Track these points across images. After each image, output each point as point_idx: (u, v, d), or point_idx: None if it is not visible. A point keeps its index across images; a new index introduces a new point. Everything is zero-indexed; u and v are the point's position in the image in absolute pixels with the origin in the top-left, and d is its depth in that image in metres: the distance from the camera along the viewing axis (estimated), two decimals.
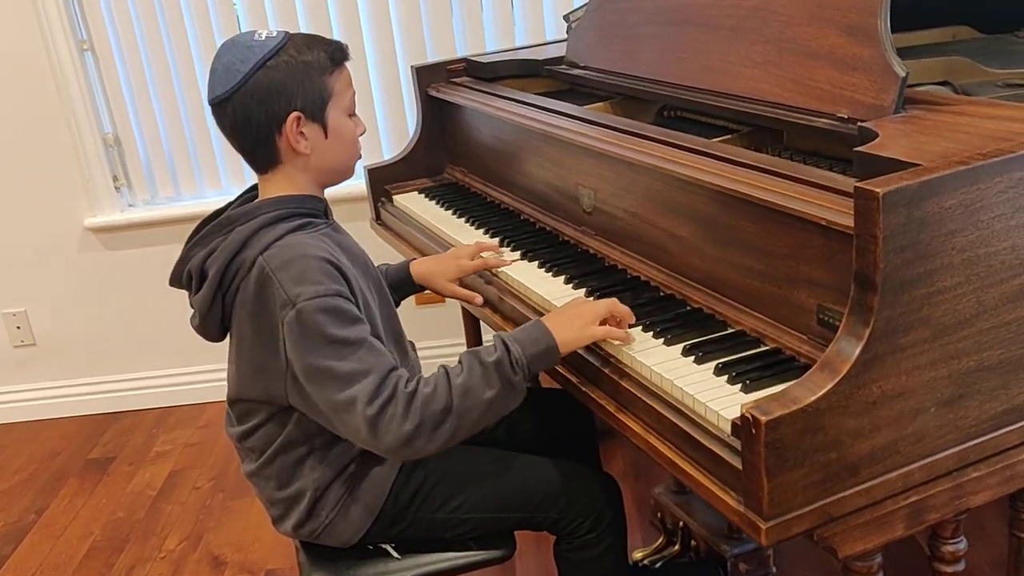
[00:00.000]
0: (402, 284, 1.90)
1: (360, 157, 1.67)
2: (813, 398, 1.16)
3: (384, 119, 3.17)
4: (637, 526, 2.47)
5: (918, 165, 1.21)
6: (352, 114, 1.60)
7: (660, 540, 2.26)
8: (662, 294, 1.69)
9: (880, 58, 1.48)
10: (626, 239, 1.82)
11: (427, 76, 2.54)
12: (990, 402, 1.29)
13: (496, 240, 2.06)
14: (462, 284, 1.91)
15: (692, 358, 1.45)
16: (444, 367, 1.46)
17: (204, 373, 3.31)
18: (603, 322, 1.50)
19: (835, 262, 1.31)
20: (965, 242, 1.20)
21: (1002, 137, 1.29)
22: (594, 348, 1.56)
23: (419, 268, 1.90)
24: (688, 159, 1.57)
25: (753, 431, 1.16)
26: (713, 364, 1.41)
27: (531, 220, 2.14)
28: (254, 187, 1.61)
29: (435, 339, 3.27)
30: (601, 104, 2.15)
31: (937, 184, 1.16)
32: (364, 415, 1.36)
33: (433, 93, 2.51)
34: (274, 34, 1.49)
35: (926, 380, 1.23)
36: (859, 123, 1.46)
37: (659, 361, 1.45)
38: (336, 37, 3.04)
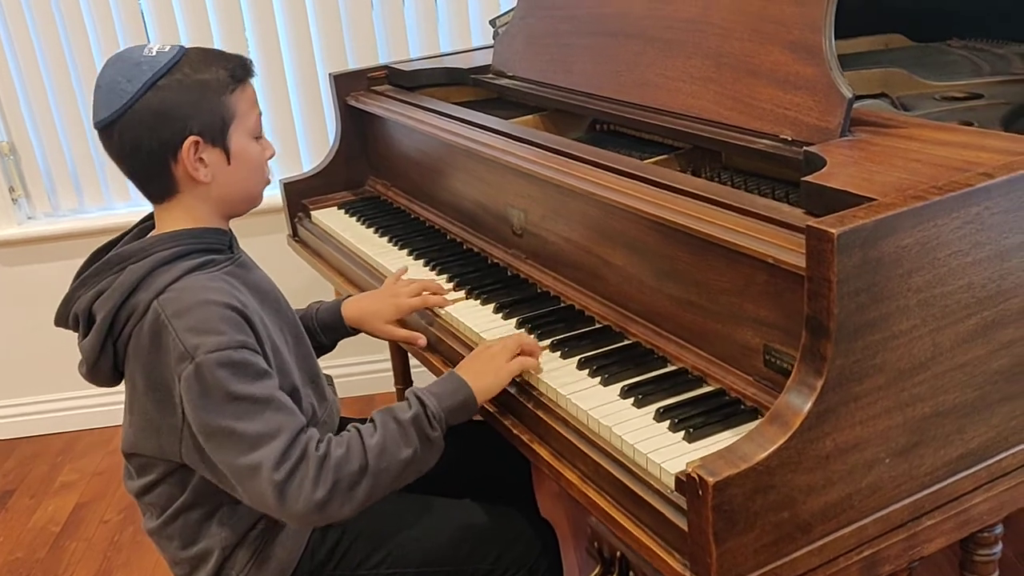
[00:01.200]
0: (334, 327, 1.75)
1: (269, 183, 1.52)
2: (763, 455, 1.07)
3: (303, 129, 3.02)
4: (573, 554, 2.37)
5: (872, 200, 1.13)
6: (259, 136, 1.46)
7: (597, 570, 2.16)
8: (598, 325, 1.58)
9: (825, 77, 1.39)
10: (559, 265, 1.72)
11: (346, 84, 2.41)
12: (945, 448, 1.21)
13: (441, 278, 1.92)
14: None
15: (631, 400, 1.35)
16: (356, 427, 1.33)
17: (115, 394, 3.11)
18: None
19: (782, 301, 1.22)
20: (921, 282, 1.12)
21: (956, 167, 1.21)
22: (528, 390, 1.45)
23: (352, 309, 1.75)
24: (622, 184, 1.47)
25: (700, 492, 1.06)
26: (654, 408, 1.31)
27: (458, 240, 2.03)
28: (150, 216, 1.46)
29: (366, 355, 3.12)
30: (530, 117, 2.04)
31: (893, 222, 1.07)
32: (271, 481, 1.24)
33: (352, 103, 2.37)
34: (167, 49, 1.34)
35: (881, 429, 1.15)
36: (804, 147, 1.38)
37: (597, 404, 1.35)
38: (251, 43, 2.91)
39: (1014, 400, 1.26)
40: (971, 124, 1.71)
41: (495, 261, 1.89)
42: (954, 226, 1.12)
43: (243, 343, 1.29)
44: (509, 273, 1.84)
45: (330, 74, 2.42)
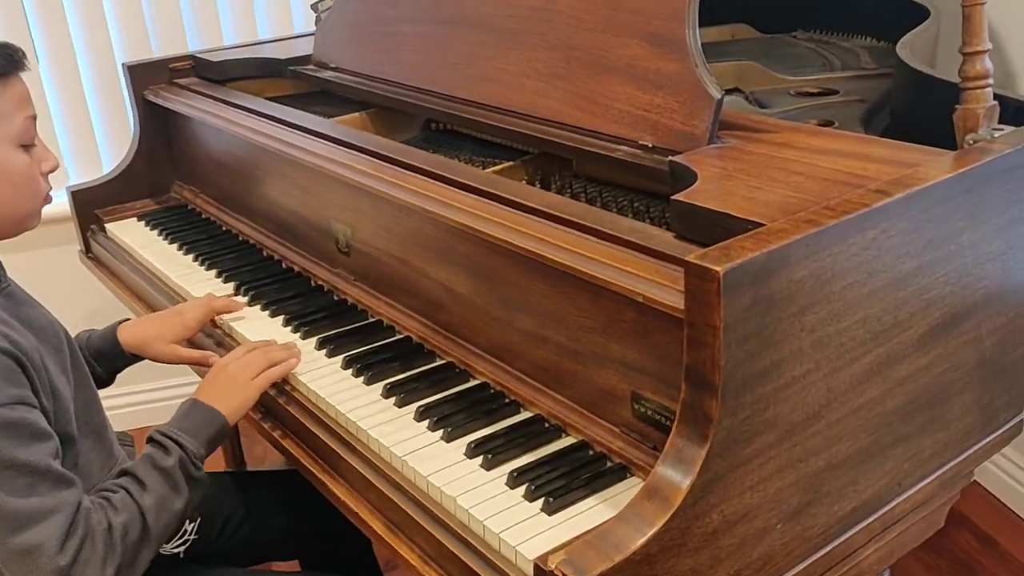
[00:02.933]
0: (111, 355, 1.47)
1: (48, 200, 1.26)
2: (641, 541, 0.88)
3: (103, 129, 2.64)
4: None
5: (757, 224, 0.95)
6: (29, 144, 1.18)
7: None
8: (439, 362, 1.36)
9: (689, 75, 1.22)
10: (393, 289, 1.48)
11: (143, 76, 2.08)
12: (839, 503, 1.06)
13: (229, 287, 1.66)
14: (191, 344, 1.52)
15: (480, 460, 1.13)
16: (123, 485, 1.17)
17: None
18: None
19: (654, 342, 1.04)
20: (815, 320, 0.95)
21: (843, 181, 1.05)
22: (354, 446, 1.22)
23: (130, 333, 1.48)
24: (461, 200, 1.25)
25: None
26: (507, 470, 1.10)
27: (276, 258, 1.76)
28: None
29: (177, 376, 2.78)
30: (355, 115, 1.79)
31: (786, 253, 0.89)
32: (54, 567, 1.06)
33: (151, 98, 2.05)
34: None
35: (772, 492, 0.98)
36: (668, 155, 1.20)
37: (438, 468, 1.13)
38: (34, 27, 2.51)
39: (907, 441, 1.12)
40: (831, 123, 1.59)
41: (319, 283, 1.64)
42: (850, 253, 0.95)
43: (19, 398, 1.09)
44: (335, 298, 1.59)
45: (123, 64, 2.09)
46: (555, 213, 1.15)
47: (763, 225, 0.95)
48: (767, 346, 0.91)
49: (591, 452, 1.13)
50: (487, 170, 1.44)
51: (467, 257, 1.28)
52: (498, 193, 1.23)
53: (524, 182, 1.45)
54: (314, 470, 1.27)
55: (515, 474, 1.09)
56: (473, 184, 1.27)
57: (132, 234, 1.97)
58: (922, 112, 1.44)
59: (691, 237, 1.04)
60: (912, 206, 1.00)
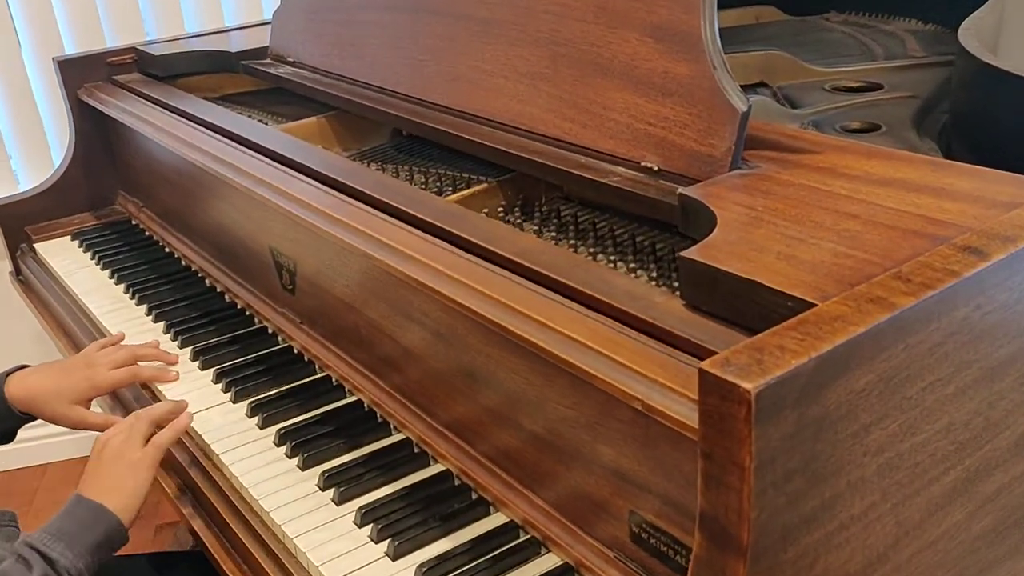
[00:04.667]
0: None
1: None
2: None
3: (54, 129, 2.36)
4: None
5: (801, 302, 0.68)
6: None
7: None
8: (394, 438, 1.10)
9: (706, 80, 0.94)
10: (342, 339, 1.22)
11: (78, 73, 1.81)
12: None
13: (160, 327, 1.40)
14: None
15: None
16: None
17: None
18: None
19: (657, 454, 0.76)
20: (883, 439, 0.67)
21: (916, 230, 0.77)
22: (283, 562, 0.95)
23: (21, 387, 1.22)
24: (412, 245, 0.98)
25: None
26: None
27: (219, 289, 1.49)
28: None
29: None
30: (312, 120, 1.51)
31: (846, 353, 0.62)
32: None
33: (85, 98, 1.78)
34: None
35: None
36: (678, 183, 0.92)
37: None
38: None
39: (998, 566, 0.84)
40: (878, 127, 1.31)
41: (263, 324, 1.37)
42: (932, 343, 0.68)
43: None
44: (280, 343, 1.32)
45: (54, 59, 1.82)
46: (528, 266, 0.87)
47: (809, 304, 0.67)
48: (817, 482, 0.64)
49: None
50: (456, 195, 1.16)
51: (423, 313, 1.01)
52: (459, 235, 0.96)
53: (502, 208, 1.17)
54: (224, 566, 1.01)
55: None
56: (430, 220, 1.00)
57: (61, 257, 1.71)
58: (997, 117, 1.15)
59: (706, 309, 0.76)
60: (1017, 269, 0.72)
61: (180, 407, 1.12)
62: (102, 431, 1.24)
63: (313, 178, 1.18)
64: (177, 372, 1.27)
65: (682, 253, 0.77)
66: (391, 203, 1.05)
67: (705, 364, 0.60)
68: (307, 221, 1.09)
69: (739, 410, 0.58)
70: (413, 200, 1.06)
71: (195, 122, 1.47)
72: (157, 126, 1.51)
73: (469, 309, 0.85)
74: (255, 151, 1.31)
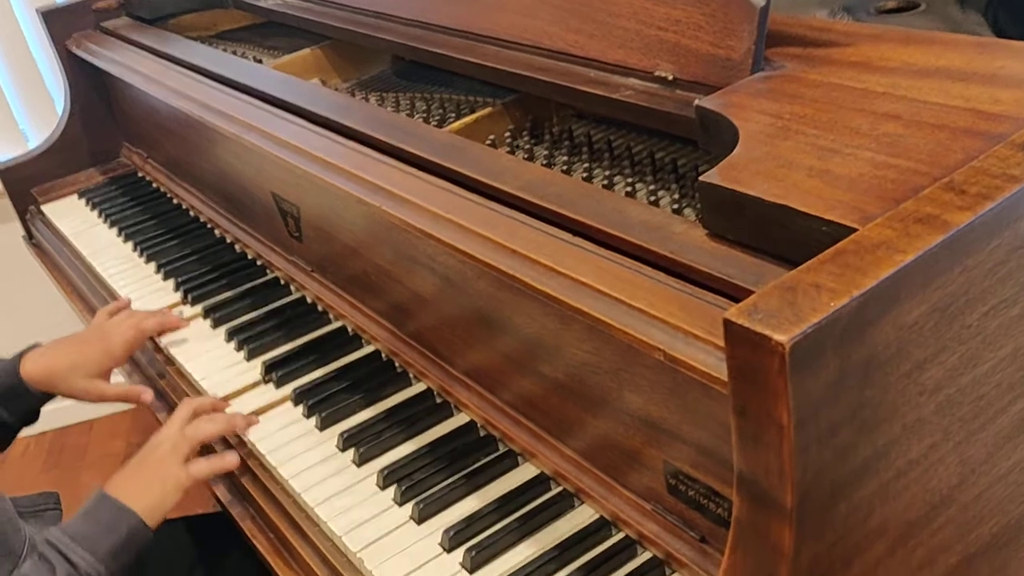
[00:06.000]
0: (14, 394, 1.17)
1: None
2: None
3: (14, 89, 2.26)
4: None
5: (839, 227, 0.59)
6: None
7: None
8: (414, 389, 1.04)
9: None
10: (354, 287, 1.15)
11: (62, 23, 1.73)
12: None
13: (169, 285, 1.35)
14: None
15: (464, 558, 0.82)
16: None
17: None
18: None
19: (688, 402, 0.69)
20: (941, 374, 0.59)
21: (967, 128, 0.67)
22: (316, 543, 0.91)
23: (37, 366, 1.18)
24: (409, 186, 0.90)
25: None
26: (503, 573, 0.79)
27: (228, 241, 1.43)
28: None
29: None
30: (306, 52, 1.42)
31: (893, 286, 0.54)
32: None
33: (75, 50, 1.71)
34: None
35: None
36: (696, 92, 0.83)
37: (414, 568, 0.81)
38: None
39: None
40: (916, 4, 1.20)
41: (275, 274, 1.31)
42: (994, 262, 0.59)
43: None
44: (292, 295, 1.26)
45: (37, 11, 1.74)
46: (534, 202, 0.79)
47: (847, 229, 0.59)
48: (868, 431, 0.57)
49: (612, 532, 0.81)
50: (459, 122, 1.08)
51: (429, 257, 0.94)
52: (459, 171, 0.88)
53: (509, 133, 1.09)
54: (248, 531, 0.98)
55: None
56: (427, 157, 0.92)
57: (69, 217, 1.66)
58: None
59: (732, 238, 0.68)
60: None
61: (237, 426, 1.05)
62: (126, 401, 1.21)
63: (304, 118, 1.10)
64: (181, 312, 1.23)
65: (702, 177, 0.68)
66: (386, 140, 0.97)
67: (731, 313, 0.52)
68: (299, 167, 1.01)
69: (772, 362, 0.50)
70: (410, 135, 0.98)
71: (184, 67, 1.39)
72: (146, 75, 1.43)
73: (470, 256, 0.78)
74: (245, 93, 1.23)
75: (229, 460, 1.01)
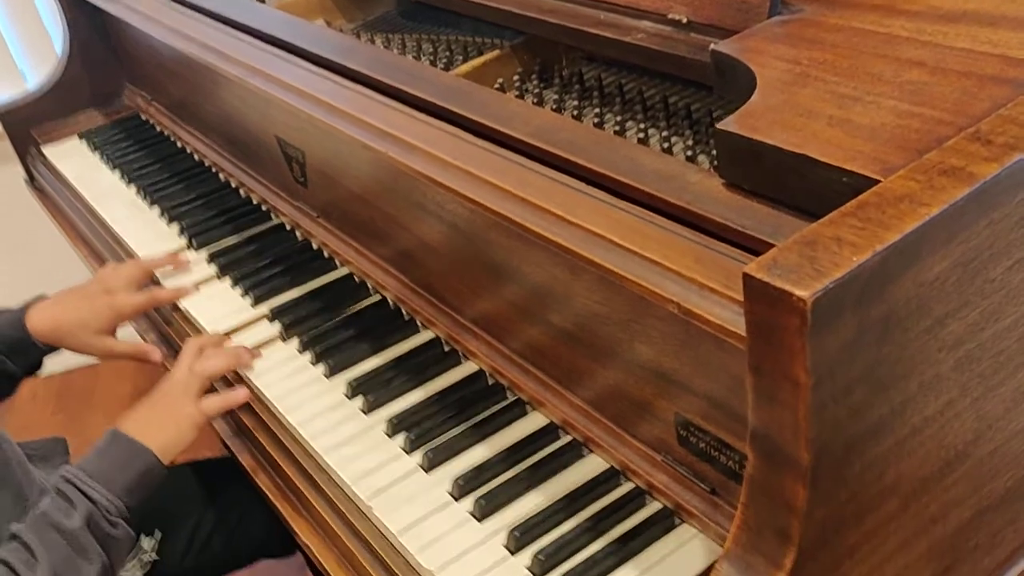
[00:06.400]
0: (20, 347, 1.17)
1: None
2: None
3: (12, 25, 2.23)
4: None
5: (861, 177, 0.57)
6: None
7: None
8: (422, 337, 1.03)
9: None
10: (360, 233, 1.14)
11: None
12: (992, 552, 0.72)
13: (174, 229, 1.34)
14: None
15: (473, 507, 0.82)
16: (3, 560, 0.86)
17: None
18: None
19: (700, 354, 0.68)
20: (962, 330, 0.58)
21: (995, 76, 0.65)
22: (328, 493, 0.91)
23: (44, 319, 1.17)
24: (413, 130, 0.88)
25: None
26: (506, 523, 0.79)
27: (233, 186, 1.42)
28: None
29: None
30: None
31: (916, 240, 0.52)
32: None
33: None
34: None
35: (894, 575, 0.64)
36: (711, 36, 0.81)
37: (416, 519, 0.81)
38: None
39: None
40: None
41: (280, 220, 1.30)
42: (1020, 214, 0.57)
43: None
44: (298, 240, 1.25)
45: None
46: (544, 148, 0.77)
47: (869, 180, 0.57)
48: (884, 388, 0.56)
49: (620, 481, 0.80)
50: (466, 65, 1.06)
51: (437, 204, 0.92)
52: (466, 116, 0.86)
53: (518, 77, 1.06)
54: (263, 483, 0.98)
55: (518, 533, 0.77)
56: (434, 101, 0.89)
57: (71, 159, 1.64)
58: None
59: (749, 188, 0.66)
60: None
61: (240, 359, 1.05)
62: (134, 359, 1.21)
63: (308, 60, 1.07)
64: (195, 284, 1.21)
65: (718, 125, 0.66)
66: (392, 84, 0.95)
67: (750, 267, 0.51)
68: (304, 111, 0.99)
69: (791, 320, 0.49)
70: (417, 78, 0.95)
71: (185, 6, 1.36)
72: (146, 15, 1.40)
73: (479, 204, 0.76)
74: (247, 34, 1.20)
75: (240, 395, 1.02)
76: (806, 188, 0.62)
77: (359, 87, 0.98)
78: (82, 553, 0.89)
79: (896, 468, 0.60)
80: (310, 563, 1.05)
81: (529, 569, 0.75)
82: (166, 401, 1.00)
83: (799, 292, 0.48)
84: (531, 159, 0.78)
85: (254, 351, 1.06)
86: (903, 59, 0.70)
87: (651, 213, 0.68)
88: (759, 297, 0.51)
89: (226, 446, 1.06)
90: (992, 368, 0.62)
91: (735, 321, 0.57)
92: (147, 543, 1.16)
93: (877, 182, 0.56)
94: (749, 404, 0.55)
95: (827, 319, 0.50)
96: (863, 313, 0.52)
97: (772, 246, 0.58)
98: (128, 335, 1.25)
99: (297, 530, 0.92)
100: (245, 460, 1.02)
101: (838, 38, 0.75)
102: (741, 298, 0.53)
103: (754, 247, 0.62)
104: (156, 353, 1.18)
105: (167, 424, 0.98)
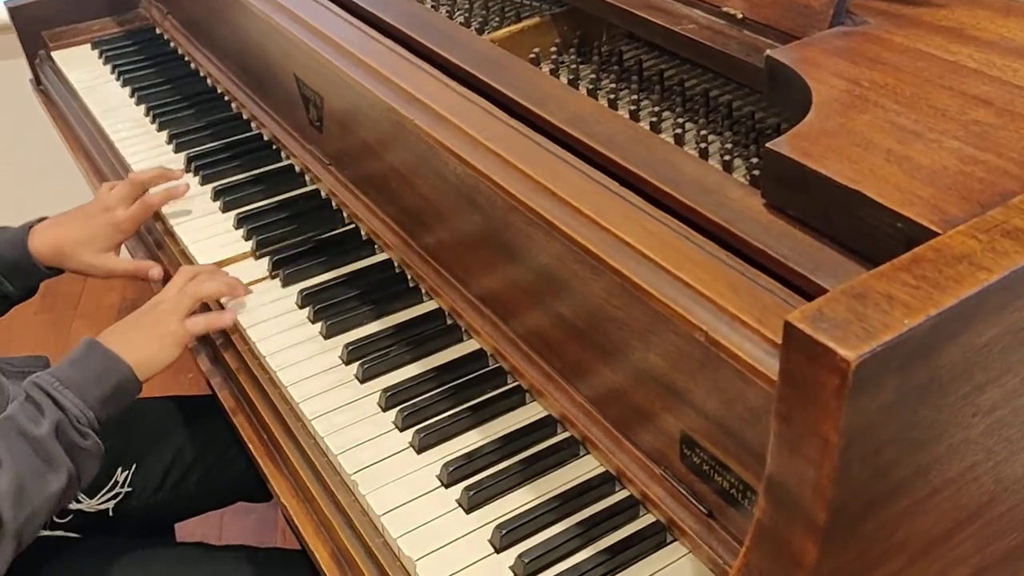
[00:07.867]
0: (22, 268, 1.14)
1: None
2: None
3: None
4: None
5: (917, 226, 0.54)
6: None
7: None
8: (424, 307, 1.00)
9: None
10: (370, 188, 1.10)
11: None
12: None
13: (180, 158, 1.30)
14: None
15: (464, 498, 0.79)
16: None
17: None
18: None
19: (719, 379, 0.65)
20: (999, 396, 0.56)
21: None
22: (312, 457, 0.88)
23: (45, 241, 1.14)
24: (440, 97, 0.84)
25: None
26: (494, 519, 0.77)
27: (245, 118, 1.37)
28: None
29: None
30: None
31: (972, 306, 0.49)
32: None
33: None
34: None
35: None
36: (765, 41, 0.77)
37: (397, 504, 0.79)
38: None
39: None
40: None
41: (290, 160, 1.26)
42: None
43: None
44: (307, 185, 1.21)
45: None
46: (580, 139, 0.74)
47: (926, 231, 0.54)
48: (913, 450, 0.53)
49: (615, 488, 0.78)
50: (503, 31, 1.01)
51: (457, 177, 0.89)
52: (500, 90, 0.82)
53: (555, 48, 1.02)
54: (247, 436, 0.96)
55: (504, 532, 0.75)
56: (468, 69, 0.85)
57: (80, 68, 1.59)
58: None
59: (792, 213, 0.63)
60: None
61: (234, 289, 1.03)
62: (135, 277, 1.18)
63: (338, 3, 1.02)
64: (187, 184, 1.19)
65: (769, 145, 0.63)
66: (424, 43, 0.91)
67: (794, 316, 0.48)
68: (328, 60, 0.95)
69: (831, 379, 0.46)
70: (450, 40, 0.91)
71: None
72: None
73: (505, 190, 0.73)
74: None
75: (227, 316, 1.01)
76: (854, 226, 0.59)
77: (389, 41, 0.94)
78: (49, 461, 0.87)
79: (909, 527, 0.58)
80: (288, 521, 1.03)
81: (512, 569, 0.74)
82: (151, 317, 0.98)
83: (844, 352, 0.45)
84: (563, 147, 0.75)
85: (248, 288, 1.04)
86: (969, 94, 0.66)
87: (685, 227, 0.65)
88: (799, 348, 0.48)
89: (210, 386, 1.03)
90: (1021, 433, 0.59)
91: (767, 362, 0.55)
92: (121, 474, 1.14)
93: (934, 234, 0.53)
94: (769, 448, 0.53)
95: (869, 383, 0.47)
96: (905, 377, 0.49)
97: (810, 282, 0.55)
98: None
99: (277, 489, 0.90)
100: (229, 406, 0.99)
101: (902, 60, 0.71)
102: (774, 336, 0.51)
103: (791, 279, 0.59)
104: (157, 269, 1.16)
105: (150, 340, 0.96)
